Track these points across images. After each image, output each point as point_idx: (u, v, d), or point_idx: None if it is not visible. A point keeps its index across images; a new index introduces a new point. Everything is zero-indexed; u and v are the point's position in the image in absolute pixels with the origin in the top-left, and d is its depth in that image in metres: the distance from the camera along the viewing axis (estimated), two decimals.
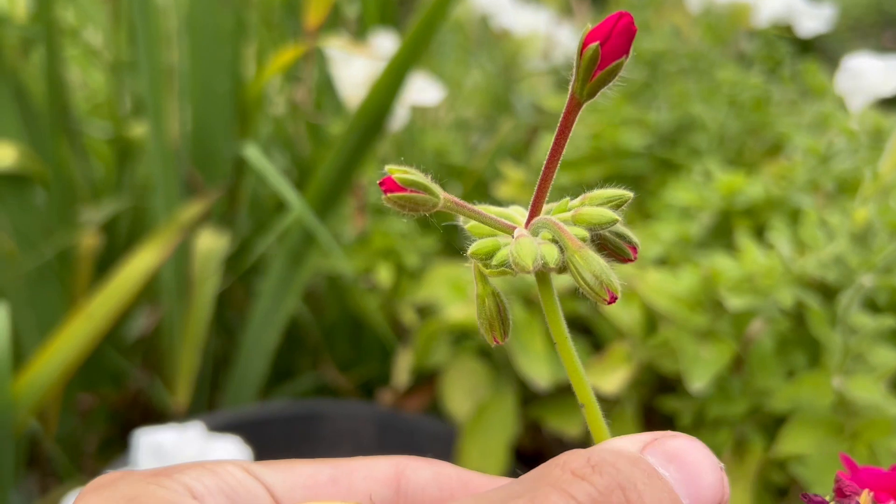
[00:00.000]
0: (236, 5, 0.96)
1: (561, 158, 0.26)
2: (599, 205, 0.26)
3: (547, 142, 0.88)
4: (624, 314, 0.70)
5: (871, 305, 0.68)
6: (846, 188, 0.75)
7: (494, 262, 0.25)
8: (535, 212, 0.26)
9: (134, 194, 1.03)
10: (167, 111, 0.88)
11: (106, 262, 0.95)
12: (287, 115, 1.06)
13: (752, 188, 0.74)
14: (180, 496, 0.24)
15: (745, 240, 0.66)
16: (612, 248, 0.27)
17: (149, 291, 0.99)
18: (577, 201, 0.27)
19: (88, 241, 0.95)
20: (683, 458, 0.23)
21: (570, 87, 0.25)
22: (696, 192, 0.72)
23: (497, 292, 0.27)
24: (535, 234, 0.26)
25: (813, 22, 0.86)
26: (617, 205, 0.26)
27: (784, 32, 0.95)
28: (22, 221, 0.90)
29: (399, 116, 0.81)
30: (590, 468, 0.21)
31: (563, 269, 0.25)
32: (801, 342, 0.71)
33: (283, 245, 0.86)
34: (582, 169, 0.85)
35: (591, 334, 0.79)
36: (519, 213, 0.28)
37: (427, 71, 1.03)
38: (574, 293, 0.74)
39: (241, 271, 0.99)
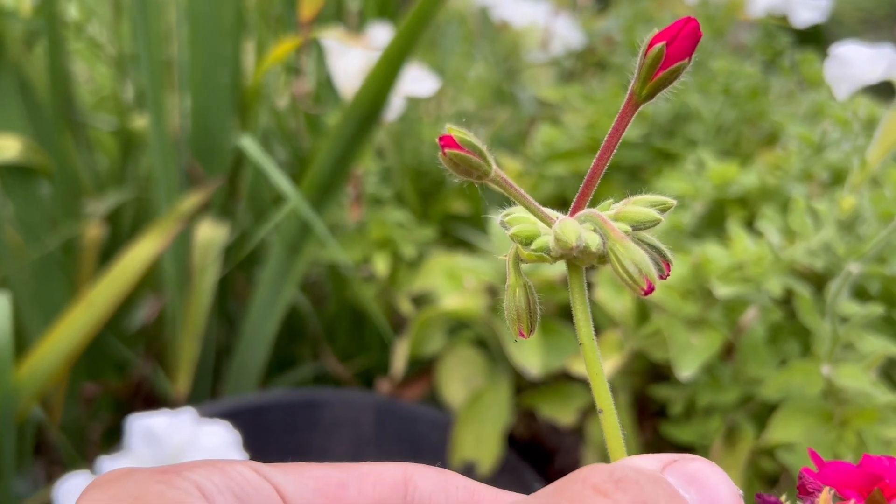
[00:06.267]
0: None
1: (611, 158, 0.26)
2: (643, 206, 0.27)
3: (544, 133, 0.88)
4: (616, 302, 0.70)
5: (863, 294, 0.68)
6: (840, 177, 0.75)
7: (534, 246, 0.26)
8: (577, 209, 0.27)
9: (137, 185, 1.04)
10: (167, 103, 0.89)
11: (110, 252, 0.96)
12: (287, 108, 1.07)
13: (746, 177, 0.74)
14: (189, 496, 0.23)
15: (735, 228, 0.67)
16: None
17: (152, 281, 1.01)
18: (619, 204, 0.27)
19: (92, 231, 0.97)
20: (704, 481, 0.23)
21: (629, 88, 0.26)
22: (689, 181, 0.73)
23: (528, 284, 0.27)
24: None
25: (809, 13, 0.85)
26: (661, 209, 0.26)
27: (785, 23, 0.95)
28: (27, 213, 0.92)
29: (394, 107, 0.81)
30: (612, 484, 0.21)
31: (601, 257, 0.25)
32: (794, 331, 0.71)
33: (280, 235, 0.87)
34: (578, 159, 0.86)
35: None
36: (557, 216, 0.28)
37: (431, 63, 1.03)
38: (566, 284, 0.74)
39: (240, 261, 1.00)
